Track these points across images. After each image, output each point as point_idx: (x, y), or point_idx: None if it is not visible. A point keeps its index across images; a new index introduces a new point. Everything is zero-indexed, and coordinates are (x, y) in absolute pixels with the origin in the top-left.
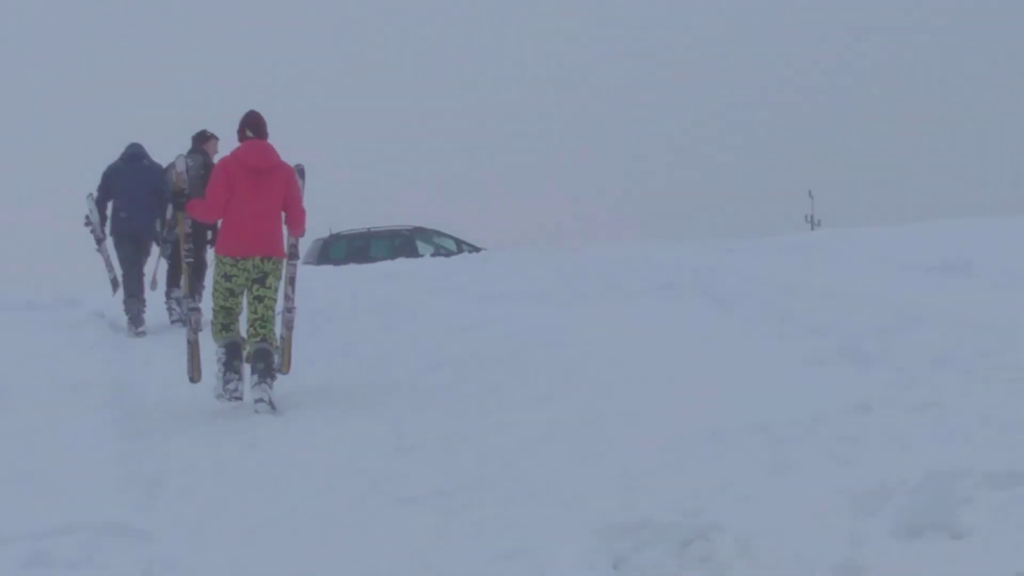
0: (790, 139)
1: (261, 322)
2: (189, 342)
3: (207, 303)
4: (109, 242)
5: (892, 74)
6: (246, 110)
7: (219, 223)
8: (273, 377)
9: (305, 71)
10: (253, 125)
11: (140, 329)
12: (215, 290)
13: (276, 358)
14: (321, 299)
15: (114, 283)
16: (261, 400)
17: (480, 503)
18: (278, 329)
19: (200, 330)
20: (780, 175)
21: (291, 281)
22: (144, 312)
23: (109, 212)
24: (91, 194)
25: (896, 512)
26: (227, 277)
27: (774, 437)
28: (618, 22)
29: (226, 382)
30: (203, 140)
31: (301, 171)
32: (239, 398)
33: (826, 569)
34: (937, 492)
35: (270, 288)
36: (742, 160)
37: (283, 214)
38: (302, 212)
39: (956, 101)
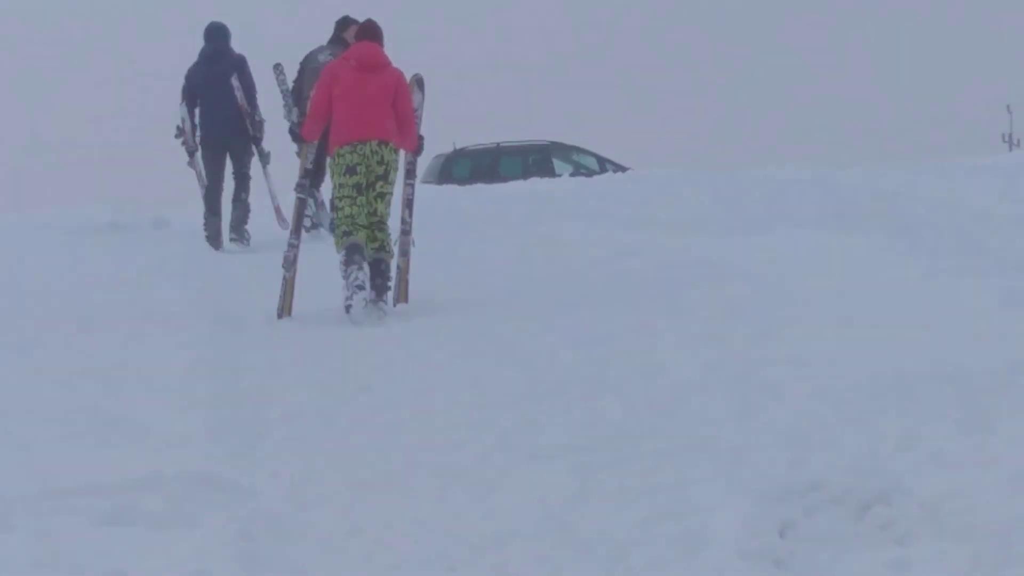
0: (984, 46)
1: (380, 224)
2: (284, 279)
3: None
4: (200, 154)
5: None
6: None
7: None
8: (388, 289)
9: None
10: (363, 30)
11: (219, 250)
12: (339, 195)
13: (392, 271)
14: (443, 224)
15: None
16: (362, 288)
17: (625, 459)
18: (394, 259)
19: (294, 267)
20: (973, 88)
21: (407, 204)
22: (222, 231)
23: (198, 121)
24: (184, 102)
25: None
26: (350, 170)
27: (967, 388)
28: None
29: (347, 275)
30: (344, 28)
31: (420, 82)
32: (361, 287)
33: None
34: None
35: (391, 183)
36: (928, 71)
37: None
38: (412, 116)
39: None
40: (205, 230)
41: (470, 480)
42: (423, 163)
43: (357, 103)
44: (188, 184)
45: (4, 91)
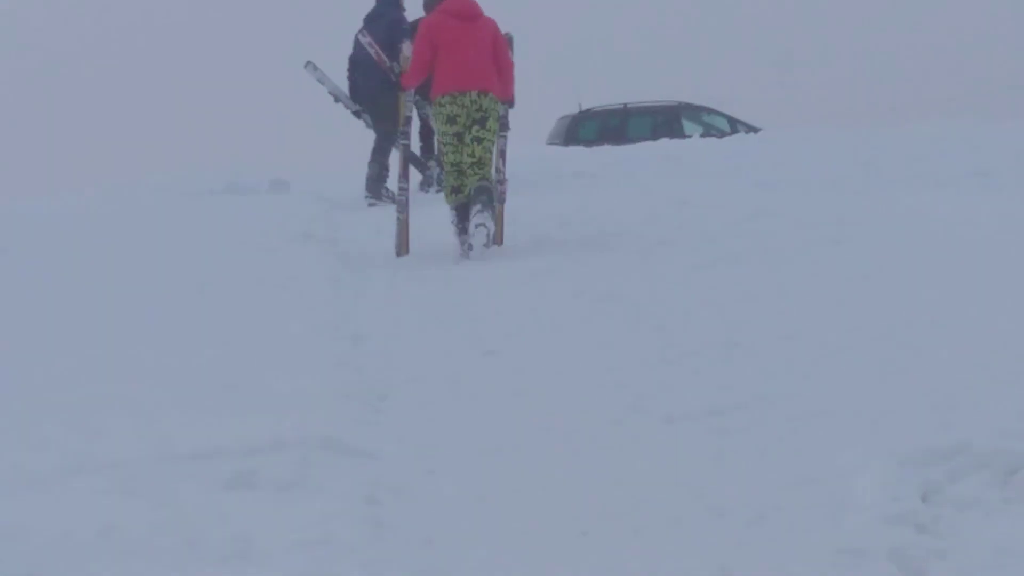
0: None
1: (479, 164)
2: (399, 219)
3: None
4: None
5: None
6: None
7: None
8: (493, 208)
9: None
10: None
11: (371, 201)
12: (444, 143)
13: (495, 193)
14: (571, 185)
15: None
16: (481, 225)
17: (763, 422)
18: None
19: (407, 208)
20: None
21: (501, 154)
22: (386, 180)
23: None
24: (309, 63)
25: None
26: (451, 120)
27: None
28: None
29: (462, 243)
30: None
31: (510, 40)
32: (472, 248)
33: None
34: None
35: (490, 131)
36: None
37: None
38: (510, 64)
39: None
40: (367, 177)
41: (602, 444)
42: (548, 125)
43: (461, 53)
44: (307, 148)
45: (118, 55)
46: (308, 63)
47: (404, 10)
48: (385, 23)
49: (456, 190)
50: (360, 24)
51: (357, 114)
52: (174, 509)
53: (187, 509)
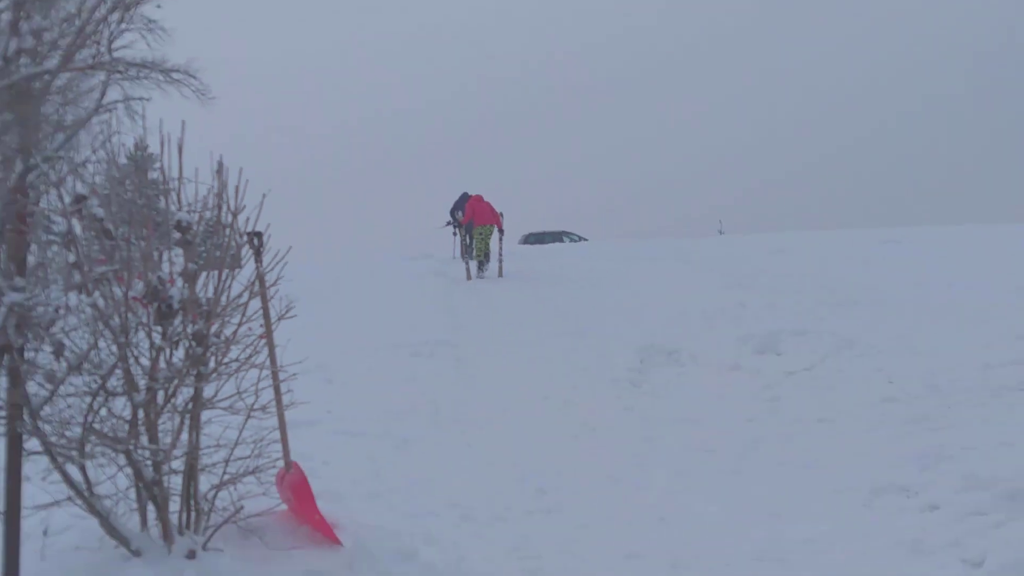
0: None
1: (487, 249)
2: (467, 265)
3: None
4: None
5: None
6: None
7: (471, 222)
8: (487, 267)
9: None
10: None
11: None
12: (478, 240)
13: (489, 262)
14: (532, 261)
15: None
16: (481, 277)
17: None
18: (494, 260)
19: (467, 259)
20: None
21: (499, 247)
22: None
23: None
24: (445, 224)
25: None
26: (480, 233)
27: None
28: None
29: (480, 267)
30: (465, 200)
31: (501, 215)
32: (483, 275)
33: None
34: None
35: (491, 237)
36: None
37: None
38: (498, 216)
39: None
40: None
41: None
42: (517, 236)
43: (481, 212)
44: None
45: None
46: (444, 225)
47: (469, 197)
48: (460, 204)
49: (479, 253)
50: (454, 203)
51: (453, 224)
52: (379, 363)
53: (389, 365)
